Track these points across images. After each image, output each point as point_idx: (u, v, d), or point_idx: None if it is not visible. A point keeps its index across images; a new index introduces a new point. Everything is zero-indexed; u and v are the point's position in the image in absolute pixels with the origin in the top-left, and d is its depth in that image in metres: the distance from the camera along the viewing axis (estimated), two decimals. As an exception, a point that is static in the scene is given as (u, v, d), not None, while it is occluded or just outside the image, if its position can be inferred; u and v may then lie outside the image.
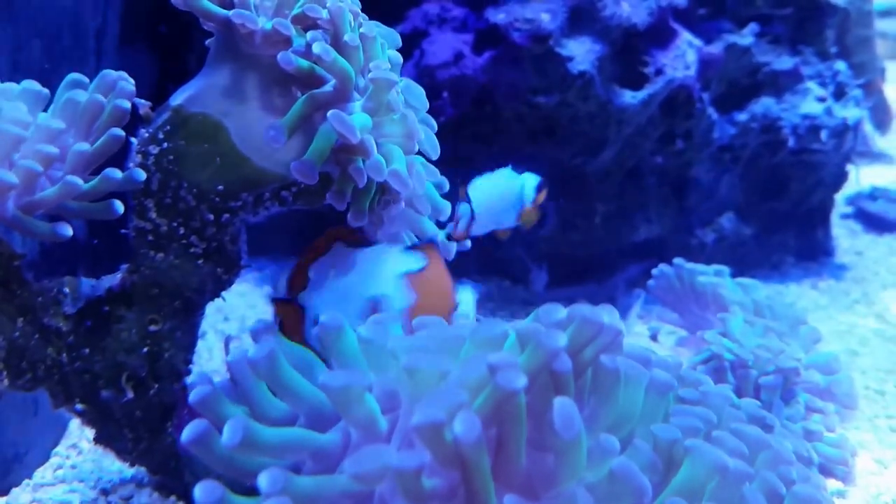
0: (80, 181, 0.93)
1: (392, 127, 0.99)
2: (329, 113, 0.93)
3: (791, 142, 2.16)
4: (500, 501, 0.62)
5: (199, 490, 0.62)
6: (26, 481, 1.26)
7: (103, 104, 0.99)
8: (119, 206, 0.98)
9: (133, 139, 1.02)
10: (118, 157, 0.98)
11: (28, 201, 0.93)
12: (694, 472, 0.71)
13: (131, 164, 1.01)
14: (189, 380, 1.07)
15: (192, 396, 0.74)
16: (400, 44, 1.10)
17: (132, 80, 1.01)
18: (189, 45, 1.97)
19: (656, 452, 0.73)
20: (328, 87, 0.96)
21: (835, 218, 2.54)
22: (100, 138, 0.97)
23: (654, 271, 1.54)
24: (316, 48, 0.93)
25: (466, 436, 0.59)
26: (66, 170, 0.95)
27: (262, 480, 0.61)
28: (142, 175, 0.98)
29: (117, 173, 0.96)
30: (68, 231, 0.94)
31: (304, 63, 0.95)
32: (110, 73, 1.01)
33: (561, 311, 0.74)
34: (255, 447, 0.68)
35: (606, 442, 0.67)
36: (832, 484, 1.20)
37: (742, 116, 2.15)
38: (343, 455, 0.71)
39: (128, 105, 0.99)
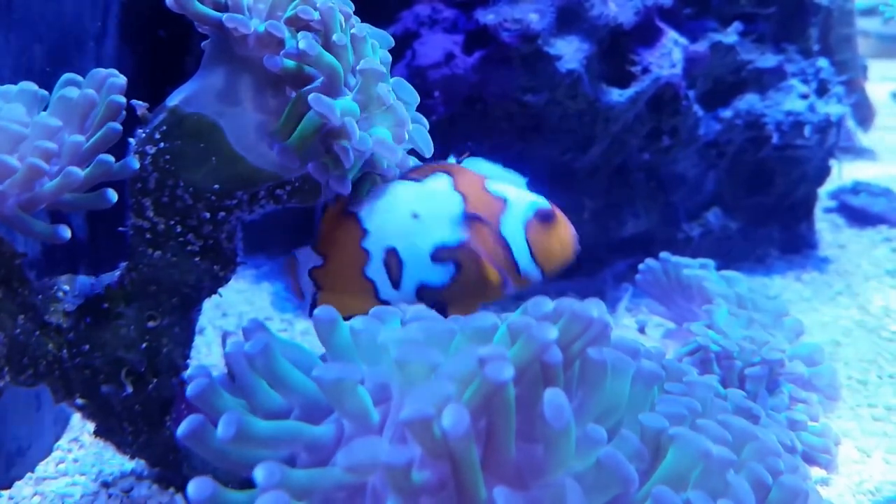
0: (79, 171, 0.93)
1: (382, 117, 0.99)
2: (310, 96, 0.93)
3: (775, 137, 2.16)
4: (490, 492, 0.62)
5: (192, 487, 0.63)
6: (29, 475, 1.28)
7: (95, 99, 0.98)
8: (113, 195, 0.98)
9: (131, 139, 1.03)
10: (117, 157, 0.99)
11: (30, 196, 0.92)
12: (678, 460, 0.72)
13: (129, 164, 1.02)
14: (187, 374, 1.08)
15: (190, 390, 0.74)
16: (392, 44, 1.10)
17: (122, 76, 1.01)
18: (187, 48, 1.97)
19: (643, 441, 0.74)
20: (317, 83, 0.96)
21: (818, 212, 2.54)
22: (96, 133, 0.97)
23: (641, 265, 1.53)
24: (301, 43, 0.93)
25: (455, 429, 0.59)
26: (62, 163, 0.95)
27: (258, 474, 0.62)
28: (136, 164, 0.99)
29: (111, 158, 0.96)
30: (67, 233, 0.95)
31: (291, 63, 0.95)
32: (100, 71, 1.01)
33: (549, 304, 0.75)
34: (250, 441, 0.68)
35: (594, 432, 0.67)
36: (816, 472, 1.21)
37: (727, 113, 2.15)
38: (337, 447, 0.71)
39: (122, 100, 0.98)
